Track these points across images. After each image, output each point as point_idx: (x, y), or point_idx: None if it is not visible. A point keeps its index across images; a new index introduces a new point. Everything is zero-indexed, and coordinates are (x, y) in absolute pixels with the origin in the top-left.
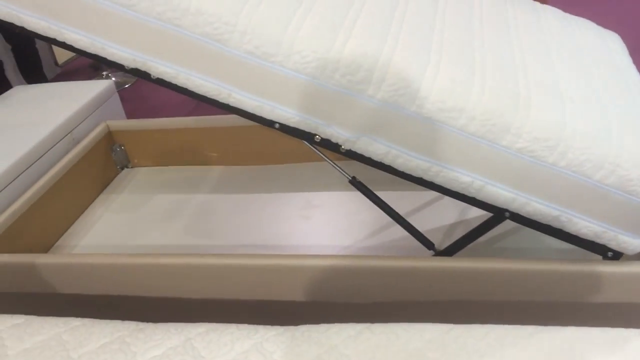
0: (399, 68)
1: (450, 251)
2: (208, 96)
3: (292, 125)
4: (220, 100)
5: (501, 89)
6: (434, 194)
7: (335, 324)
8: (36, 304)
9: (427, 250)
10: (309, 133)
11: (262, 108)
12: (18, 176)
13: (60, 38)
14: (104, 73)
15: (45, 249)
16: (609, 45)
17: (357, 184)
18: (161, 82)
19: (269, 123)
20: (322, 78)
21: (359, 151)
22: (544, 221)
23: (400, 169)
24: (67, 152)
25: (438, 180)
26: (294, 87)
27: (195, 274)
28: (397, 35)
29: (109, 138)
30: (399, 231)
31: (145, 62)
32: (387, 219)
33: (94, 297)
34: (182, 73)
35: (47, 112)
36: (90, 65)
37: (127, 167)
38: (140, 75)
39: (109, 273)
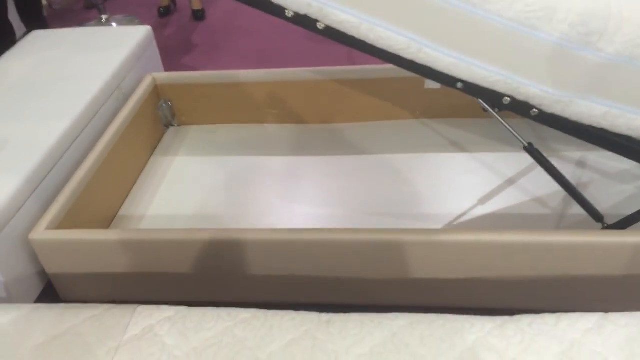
0: (633, 13)
1: (622, 225)
2: (390, 51)
3: (484, 85)
4: (405, 56)
5: None
6: None
7: (557, 314)
8: (115, 284)
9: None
10: (499, 94)
11: (456, 66)
12: (75, 139)
13: None
14: (104, 17)
15: (108, 220)
16: None
17: (534, 151)
18: (331, 33)
19: (451, 82)
20: (546, 30)
21: (564, 114)
22: None
23: (618, 130)
24: (116, 109)
25: None
26: (509, 40)
27: (324, 249)
28: None
29: (156, 93)
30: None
31: (322, 8)
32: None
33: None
34: (365, 22)
35: (87, 63)
36: (84, 7)
37: (173, 125)
38: (303, 24)
39: (216, 249)
